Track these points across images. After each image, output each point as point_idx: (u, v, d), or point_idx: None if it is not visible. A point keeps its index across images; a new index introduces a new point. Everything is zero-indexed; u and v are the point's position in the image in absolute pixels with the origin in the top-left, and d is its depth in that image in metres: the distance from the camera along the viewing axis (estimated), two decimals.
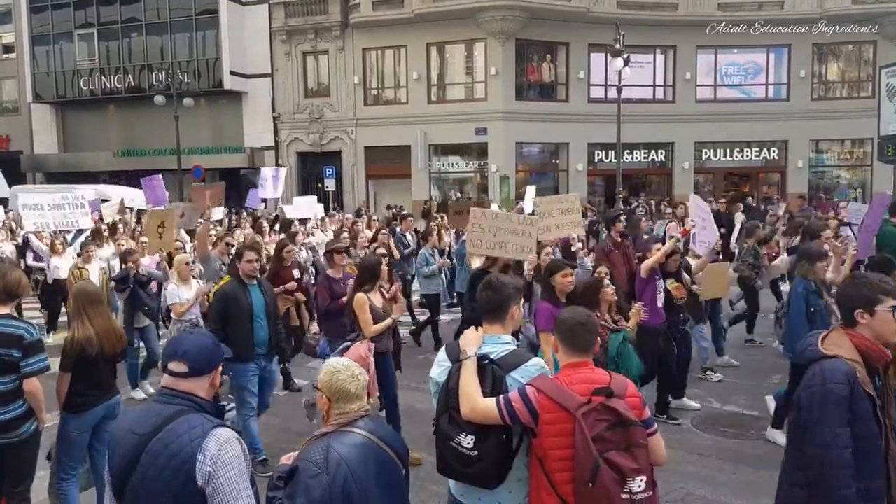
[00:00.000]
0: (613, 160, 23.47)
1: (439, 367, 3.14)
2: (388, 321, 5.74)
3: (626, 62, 21.05)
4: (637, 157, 26.42)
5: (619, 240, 8.38)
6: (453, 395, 2.92)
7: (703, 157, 26.77)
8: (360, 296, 5.76)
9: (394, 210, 20.00)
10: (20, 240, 13.27)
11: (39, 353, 4.28)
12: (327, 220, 15.53)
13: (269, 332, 6.04)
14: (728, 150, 26.67)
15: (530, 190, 15.72)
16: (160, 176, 15.80)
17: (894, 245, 7.77)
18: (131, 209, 15.02)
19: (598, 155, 26.28)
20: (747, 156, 26.77)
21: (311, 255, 10.90)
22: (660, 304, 6.72)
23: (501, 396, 2.81)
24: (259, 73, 27.96)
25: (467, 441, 2.84)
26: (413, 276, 10.99)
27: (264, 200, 18.19)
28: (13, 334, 4.19)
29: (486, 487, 2.89)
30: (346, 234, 10.10)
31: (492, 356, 2.98)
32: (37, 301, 12.08)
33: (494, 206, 14.22)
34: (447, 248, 11.58)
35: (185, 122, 25.70)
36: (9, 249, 12.70)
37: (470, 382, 2.88)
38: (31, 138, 31.66)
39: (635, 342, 5.33)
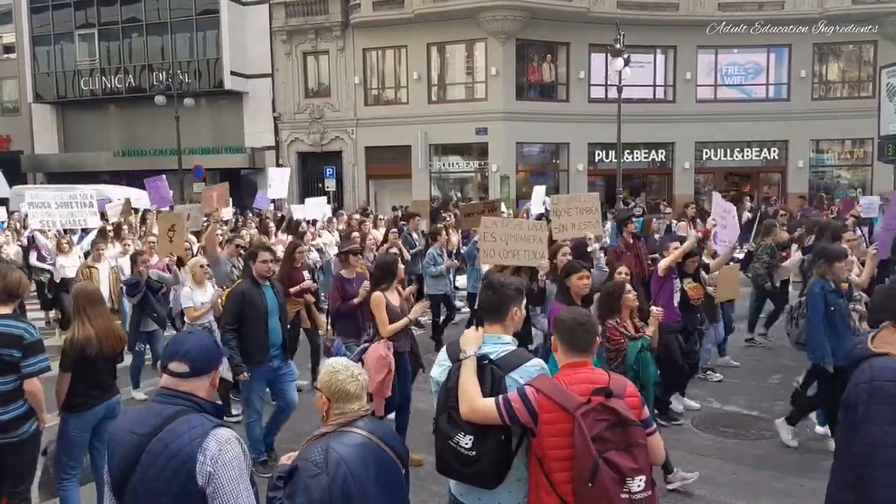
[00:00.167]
0: (614, 160, 23.48)
1: (440, 366, 3.15)
2: (403, 320, 5.69)
3: (627, 62, 21.05)
4: (637, 157, 26.41)
5: (631, 241, 8.31)
6: (452, 394, 2.92)
7: (704, 157, 26.75)
8: (377, 295, 5.73)
9: (400, 210, 19.87)
10: (25, 240, 13.19)
11: (40, 354, 4.29)
12: (335, 220, 15.50)
13: (282, 332, 6.03)
14: (728, 150, 26.66)
15: (538, 190, 15.35)
16: (164, 176, 15.76)
17: None
18: (137, 210, 14.96)
19: (599, 155, 26.27)
20: (748, 156, 26.76)
21: (320, 255, 10.84)
22: (675, 304, 6.66)
23: (500, 396, 2.81)
24: (259, 74, 27.96)
25: (466, 441, 2.84)
26: (419, 276, 10.93)
27: (273, 201, 18.18)
28: (13, 334, 4.19)
29: (484, 487, 2.89)
30: (356, 234, 10.02)
31: (491, 356, 2.97)
32: (37, 302, 12.08)
33: (504, 208, 14.14)
34: (454, 249, 11.50)
35: (185, 122, 25.71)
36: (13, 251, 12.63)
37: (469, 382, 2.88)
38: (32, 138, 31.65)
39: (655, 350, 5.26)
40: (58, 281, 10.73)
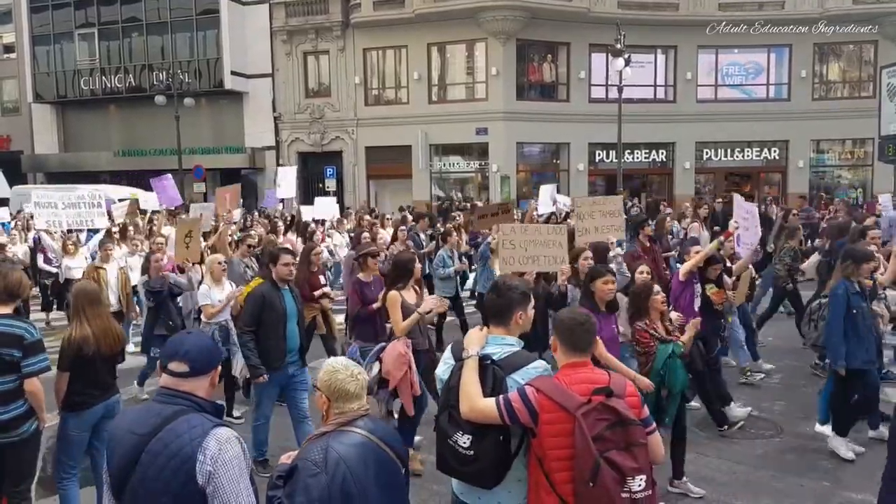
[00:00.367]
0: (614, 160, 23.49)
1: (444, 364, 3.16)
2: (413, 316, 5.58)
3: (627, 62, 21.05)
4: (638, 157, 26.42)
5: (648, 244, 8.20)
6: (454, 393, 2.93)
7: (704, 157, 26.76)
8: (392, 293, 5.67)
9: (407, 210, 19.71)
10: (32, 240, 13.07)
11: (40, 353, 4.29)
12: (344, 220, 15.44)
13: (299, 338, 5.90)
14: (729, 150, 26.67)
15: (545, 189, 15.14)
16: (170, 175, 15.71)
17: None
18: (144, 211, 14.90)
19: (599, 155, 26.28)
20: (748, 156, 26.77)
21: (330, 256, 10.77)
22: (696, 308, 6.54)
23: (501, 396, 2.81)
24: (260, 73, 27.98)
25: (464, 440, 2.84)
26: (426, 277, 10.83)
27: (282, 201, 18.14)
28: (14, 334, 4.20)
29: (483, 487, 2.90)
30: (366, 235, 9.95)
31: (494, 357, 2.97)
32: (40, 302, 12.07)
33: (516, 212, 13.94)
34: (462, 250, 11.27)
35: (185, 122, 25.71)
36: (21, 251, 12.56)
37: (470, 382, 2.88)
38: (32, 138, 31.66)
39: (687, 357, 5.17)
40: (62, 282, 10.67)
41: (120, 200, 16.32)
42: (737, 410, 6.81)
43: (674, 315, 5.50)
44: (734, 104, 25.94)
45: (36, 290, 12.83)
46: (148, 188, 18.22)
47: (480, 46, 25.13)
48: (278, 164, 25.97)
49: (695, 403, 7.22)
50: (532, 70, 25.86)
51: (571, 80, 25.67)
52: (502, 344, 3.05)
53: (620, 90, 21.01)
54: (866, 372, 5.82)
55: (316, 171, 26.90)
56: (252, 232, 11.72)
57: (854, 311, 5.80)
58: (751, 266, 8.55)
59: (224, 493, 2.35)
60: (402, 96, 26.61)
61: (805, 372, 8.39)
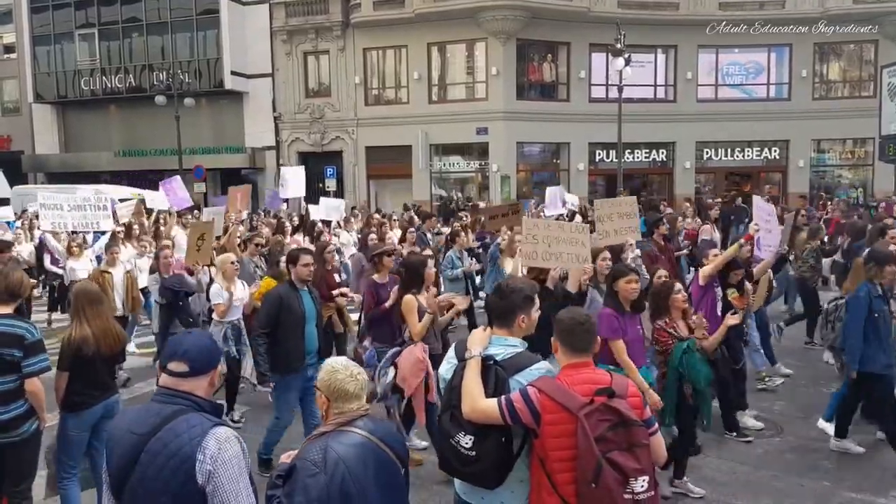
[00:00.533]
0: (614, 160, 23.49)
1: (448, 363, 3.16)
2: (426, 318, 5.46)
3: (627, 62, 21.06)
4: (638, 157, 26.42)
5: (663, 243, 8.14)
6: (456, 393, 2.93)
7: (705, 156, 26.76)
8: (408, 298, 5.60)
9: (413, 209, 19.62)
10: (37, 239, 12.95)
11: (41, 353, 4.29)
12: (352, 220, 15.37)
13: (318, 339, 5.80)
14: (729, 150, 26.66)
15: (552, 191, 14.82)
16: (178, 177, 15.63)
17: None
18: (150, 211, 14.85)
19: (599, 154, 26.28)
20: (748, 155, 26.76)
21: (339, 255, 10.74)
22: (719, 313, 6.39)
23: (503, 396, 2.80)
24: (260, 73, 27.97)
25: (466, 440, 2.83)
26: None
27: (286, 201, 18.05)
28: (14, 334, 4.20)
29: (485, 487, 2.89)
30: (373, 236, 9.89)
31: (497, 357, 2.97)
32: (45, 302, 12.06)
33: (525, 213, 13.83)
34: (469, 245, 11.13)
35: (185, 122, 25.71)
36: (26, 251, 12.49)
37: (472, 382, 2.88)
38: (33, 138, 31.66)
39: (704, 351, 5.11)
40: (67, 284, 10.62)
41: (121, 200, 16.24)
42: (749, 421, 6.74)
43: (695, 317, 5.42)
44: (734, 104, 25.93)
45: (39, 290, 12.84)
46: (148, 188, 18.19)
47: (480, 46, 25.13)
48: (279, 164, 25.98)
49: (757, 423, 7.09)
50: (532, 70, 25.86)
51: (571, 80, 25.66)
52: (505, 345, 3.04)
53: (620, 90, 21.01)
54: (884, 376, 5.78)
55: (316, 171, 26.77)
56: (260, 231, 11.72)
57: (875, 315, 5.71)
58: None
59: (223, 493, 2.34)
60: (403, 96, 26.61)
61: (806, 372, 8.38)
